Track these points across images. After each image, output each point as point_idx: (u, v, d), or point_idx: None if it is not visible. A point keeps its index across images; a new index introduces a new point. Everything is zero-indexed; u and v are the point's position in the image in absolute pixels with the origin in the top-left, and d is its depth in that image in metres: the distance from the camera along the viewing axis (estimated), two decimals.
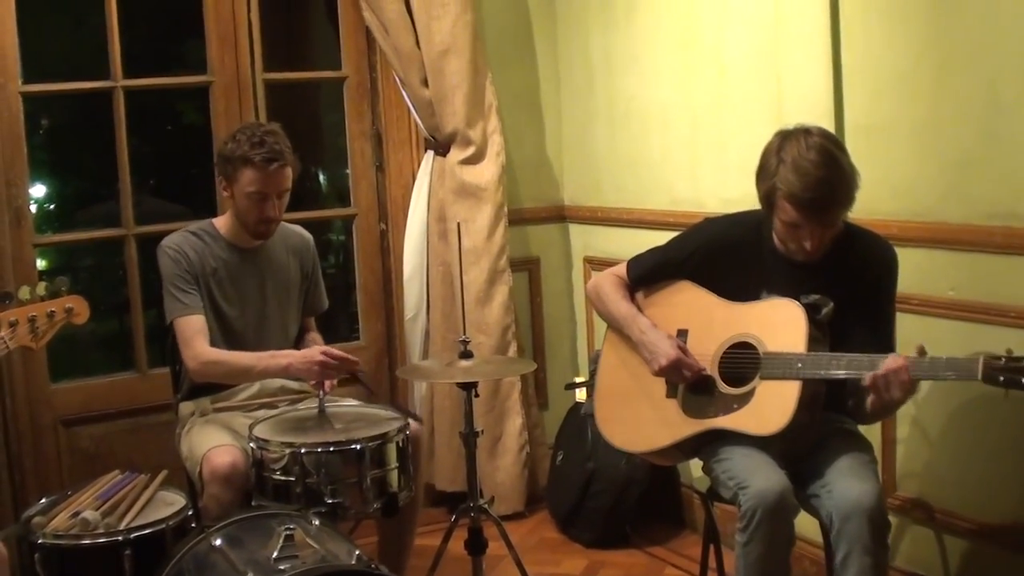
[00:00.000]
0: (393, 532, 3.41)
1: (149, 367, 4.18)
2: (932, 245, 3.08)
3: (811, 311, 2.80)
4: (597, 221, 4.57)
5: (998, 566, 3.02)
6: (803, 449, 2.83)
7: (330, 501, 2.95)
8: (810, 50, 3.31)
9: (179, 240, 3.37)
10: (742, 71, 3.68)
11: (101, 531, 2.78)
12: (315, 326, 3.69)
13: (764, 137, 2.86)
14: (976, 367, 2.49)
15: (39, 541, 2.76)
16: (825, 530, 2.77)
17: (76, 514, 2.81)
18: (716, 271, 2.99)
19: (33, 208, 4.19)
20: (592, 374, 3.25)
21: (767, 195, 2.78)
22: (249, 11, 4.25)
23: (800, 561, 3.46)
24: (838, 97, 3.28)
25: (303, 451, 2.94)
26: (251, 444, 3.03)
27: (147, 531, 2.79)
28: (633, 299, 3.14)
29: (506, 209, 4.40)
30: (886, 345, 2.81)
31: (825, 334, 2.81)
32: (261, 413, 3.32)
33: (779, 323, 2.83)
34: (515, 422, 4.41)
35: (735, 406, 2.85)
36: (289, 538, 2.51)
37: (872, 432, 3.14)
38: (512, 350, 4.39)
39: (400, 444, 3.08)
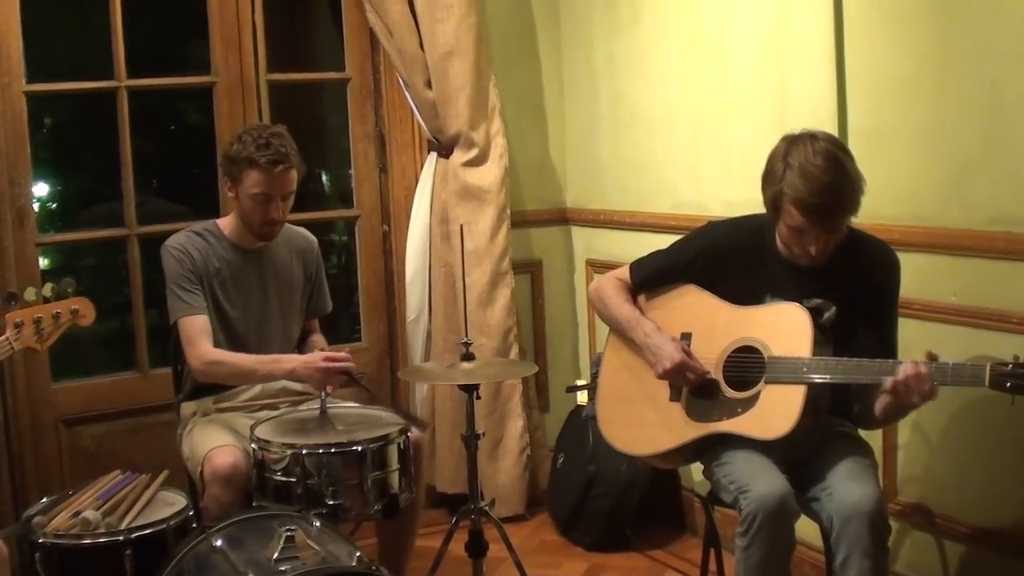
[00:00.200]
0: (394, 534, 3.41)
1: (151, 367, 4.18)
2: (934, 250, 3.07)
3: (814, 315, 2.80)
4: (600, 224, 4.57)
5: (998, 571, 3.02)
6: (805, 453, 2.83)
7: (331, 502, 2.95)
8: (813, 54, 3.31)
9: (183, 240, 3.37)
10: (746, 75, 3.69)
11: (102, 531, 2.78)
12: (319, 328, 3.69)
13: (767, 141, 2.87)
14: (983, 373, 2.49)
15: (40, 540, 2.76)
16: (825, 533, 2.76)
17: (77, 514, 2.81)
18: (719, 275, 2.99)
19: (36, 207, 4.19)
20: (594, 377, 3.25)
21: (773, 200, 2.78)
22: (253, 12, 4.25)
23: (800, 565, 3.46)
24: (841, 101, 3.28)
25: (304, 452, 2.95)
26: (252, 445, 3.03)
27: (148, 531, 2.80)
28: (635, 302, 3.14)
29: (509, 211, 4.40)
30: (888, 350, 2.81)
31: (828, 338, 2.81)
32: (263, 414, 3.32)
33: (784, 327, 2.82)
34: (516, 424, 4.41)
35: (739, 410, 2.85)
36: (290, 539, 2.52)
37: (872, 437, 3.14)
38: (514, 352, 4.39)
39: (401, 446, 3.08)
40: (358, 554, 2.60)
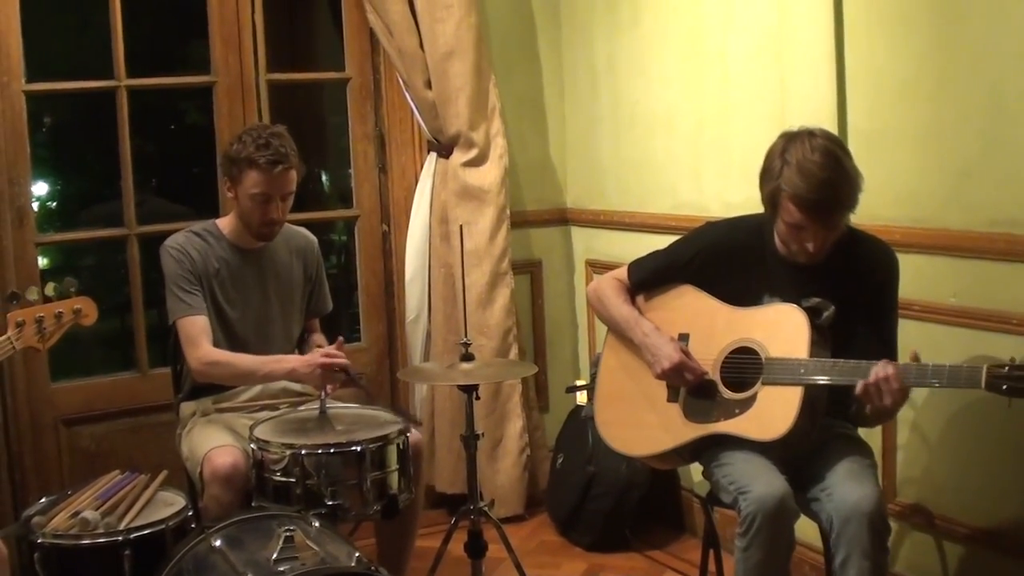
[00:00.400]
0: (393, 534, 3.41)
1: (150, 367, 4.18)
2: (934, 251, 3.08)
3: (812, 315, 2.80)
4: (600, 224, 4.57)
5: (998, 572, 3.02)
6: (803, 454, 2.83)
7: (330, 503, 2.95)
8: (814, 55, 3.31)
9: (182, 240, 3.37)
10: (746, 76, 3.69)
11: (101, 531, 2.78)
12: (319, 327, 3.69)
13: (768, 142, 2.87)
14: (979, 375, 2.49)
15: (39, 540, 2.76)
16: (825, 534, 2.76)
17: (76, 514, 2.81)
18: (718, 275, 2.99)
19: (35, 207, 4.19)
20: (593, 377, 3.25)
21: (771, 196, 2.79)
22: (253, 12, 4.25)
23: (800, 566, 3.46)
24: (841, 103, 3.29)
25: (303, 452, 2.95)
26: (252, 445, 3.03)
27: (147, 531, 2.80)
28: (634, 303, 3.14)
29: (508, 212, 4.40)
30: (888, 349, 2.81)
31: (826, 338, 2.81)
32: (262, 414, 3.32)
33: (781, 328, 2.83)
34: (516, 425, 4.41)
35: (737, 411, 2.85)
36: (289, 539, 2.51)
37: (872, 438, 3.14)
38: (513, 353, 4.39)
39: (400, 446, 3.08)
40: (357, 554, 2.60)
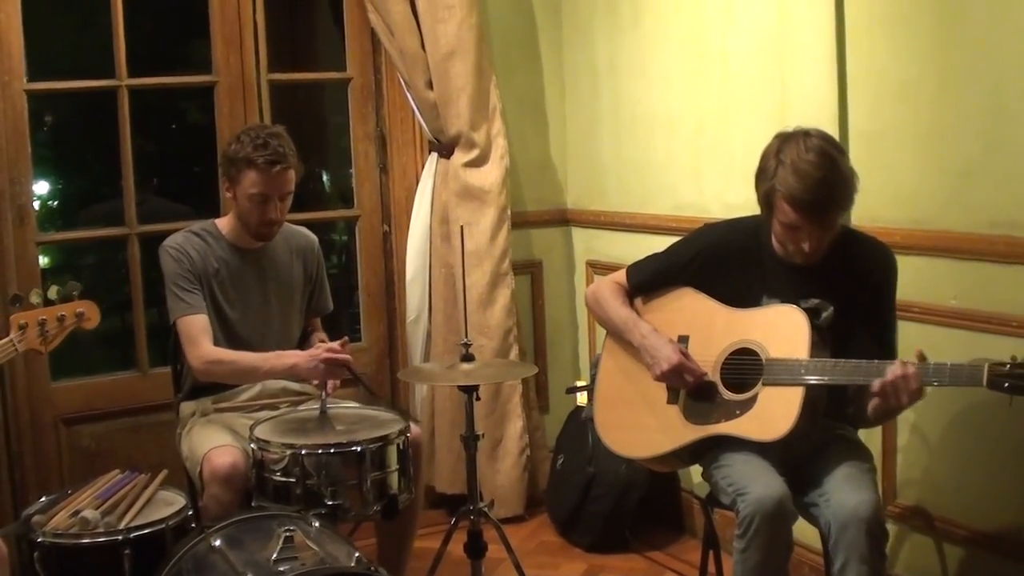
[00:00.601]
0: (393, 534, 3.41)
1: (150, 366, 4.18)
2: (934, 253, 3.08)
3: (811, 315, 2.80)
4: (600, 225, 4.58)
5: (997, 574, 3.02)
6: (803, 455, 2.83)
7: (330, 503, 2.95)
8: (815, 57, 3.31)
9: (181, 240, 3.37)
10: (747, 77, 3.69)
11: (101, 530, 2.78)
12: (321, 326, 3.69)
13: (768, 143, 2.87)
14: (981, 374, 2.50)
15: (39, 540, 2.76)
16: (824, 539, 2.76)
17: (76, 513, 2.81)
18: (716, 276, 2.99)
19: (36, 206, 4.19)
20: (593, 378, 3.25)
21: (766, 196, 2.79)
22: (255, 11, 4.25)
23: (799, 568, 3.46)
24: (842, 104, 3.29)
25: (304, 452, 2.94)
26: (252, 445, 3.03)
27: (147, 531, 2.80)
28: (632, 306, 3.14)
29: (509, 212, 4.40)
30: (887, 350, 2.81)
31: (826, 339, 2.81)
32: (262, 414, 3.32)
33: (781, 329, 2.83)
34: (516, 425, 4.41)
35: (737, 412, 2.85)
36: (289, 539, 2.52)
37: (872, 440, 3.14)
38: (514, 353, 4.39)
39: (401, 446, 3.08)
40: (357, 554, 2.60)
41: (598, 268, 4.55)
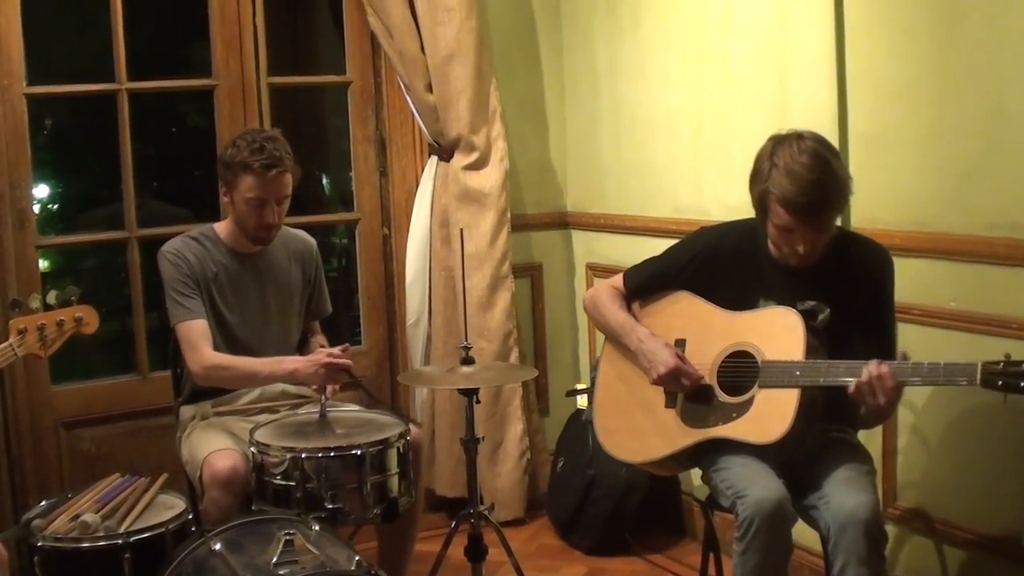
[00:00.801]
0: (393, 538, 3.41)
1: (150, 370, 4.18)
2: (934, 255, 3.07)
3: (808, 317, 2.80)
4: (600, 228, 4.58)
5: None
6: (801, 458, 2.83)
7: (330, 506, 2.94)
8: (814, 59, 3.31)
9: (179, 245, 3.37)
10: (747, 79, 3.69)
11: (101, 534, 2.78)
12: (320, 329, 3.69)
13: None
14: (974, 372, 2.50)
15: (39, 543, 2.75)
16: (823, 541, 2.76)
17: (76, 517, 2.80)
18: (713, 279, 3.00)
19: (36, 210, 4.19)
20: (593, 381, 3.25)
21: (760, 199, 2.80)
22: (254, 15, 4.25)
23: (800, 570, 3.46)
24: (842, 106, 3.29)
25: (304, 456, 2.94)
26: (252, 448, 3.02)
27: (147, 534, 2.79)
28: (630, 310, 3.14)
29: (509, 215, 4.40)
30: (886, 351, 2.81)
31: (822, 341, 2.81)
32: (262, 417, 3.32)
33: (777, 331, 2.83)
34: (516, 428, 4.41)
35: (734, 415, 2.85)
36: (289, 543, 2.51)
37: (872, 442, 3.14)
38: (514, 356, 4.39)
39: (401, 449, 3.08)
40: (357, 558, 2.60)
41: (598, 271, 4.54)
